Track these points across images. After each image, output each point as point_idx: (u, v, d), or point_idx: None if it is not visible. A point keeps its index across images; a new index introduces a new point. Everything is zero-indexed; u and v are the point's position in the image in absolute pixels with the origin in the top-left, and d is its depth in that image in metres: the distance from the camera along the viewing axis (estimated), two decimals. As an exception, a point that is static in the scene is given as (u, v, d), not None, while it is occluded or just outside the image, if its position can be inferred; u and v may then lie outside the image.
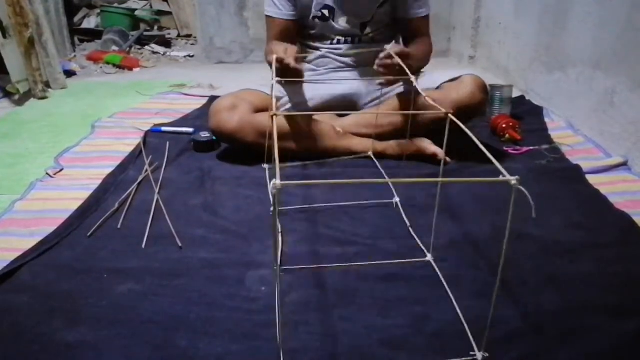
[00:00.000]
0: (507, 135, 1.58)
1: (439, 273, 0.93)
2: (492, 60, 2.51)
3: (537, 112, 1.87)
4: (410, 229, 1.09)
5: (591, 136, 1.58)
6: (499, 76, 2.39)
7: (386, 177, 1.33)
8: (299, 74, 1.36)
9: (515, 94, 1.95)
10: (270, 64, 1.43)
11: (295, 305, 0.86)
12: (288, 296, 0.88)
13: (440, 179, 0.61)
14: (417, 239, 1.05)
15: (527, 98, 2.05)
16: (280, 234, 1.05)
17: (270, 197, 0.53)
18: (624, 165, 1.40)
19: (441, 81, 1.44)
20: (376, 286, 0.91)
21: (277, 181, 0.52)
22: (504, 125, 1.60)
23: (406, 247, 1.03)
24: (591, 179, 1.32)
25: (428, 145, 1.42)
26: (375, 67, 1.33)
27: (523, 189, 0.54)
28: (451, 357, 0.75)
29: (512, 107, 1.79)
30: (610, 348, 0.76)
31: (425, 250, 1.00)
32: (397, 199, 1.20)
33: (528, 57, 2.10)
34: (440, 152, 1.41)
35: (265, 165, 1.40)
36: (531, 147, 1.52)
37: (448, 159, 1.41)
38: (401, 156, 1.44)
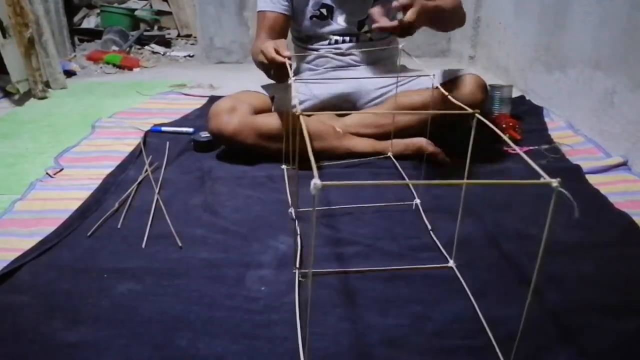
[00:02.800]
0: (507, 135, 1.58)
1: (461, 280, 0.92)
2: (492, 60, 2.51)
3: (537, 112, 1.87)
4: (431, 232, 1.08)
5: (591, 136, 1.59)
6: (499, 76, 2.39)
7: (407, 178, 1.33)
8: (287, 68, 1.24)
9: (515, 94, 1.95)
10: (259, 64, 1.36)
11: (294, 305, 0.86)
12: (288, 296, 0.88)
13: (465, 181, 0.61)
14: (438, 243, 1.03)
15: (527, 98, 2.05)
16: (298, 236, 1.04)
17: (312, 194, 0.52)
18: (623, 165, 1.40)
19: (441, 80, 1.44)
20: (376, 286, 0.91)
21: (317, 181, 0.52)
22: (504, 125, 1.60)
23: (413, 249, 1.02)
24: (591, 178, 1.32)
25: (427, 145, 1.42)
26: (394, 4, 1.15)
27: (565, 191, 0.54)
28: (451, 358, 0.75)
29: (512, 107, 1.80)
30: (610, 348, 0.76)
31: (448, 257, 0.99)
32: (417, 201, 1.19)
33: (528, 57, 2.10)
34: (439, 151, 1.41)
35: (284, 166, 1.40)
36: (531, 147, 1.52)
37: (448, 159, 1.41)
38: (400, 155, 1.44)
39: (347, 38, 1.52)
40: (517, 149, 0.68)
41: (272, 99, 1.51)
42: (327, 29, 1.51)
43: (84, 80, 2.61)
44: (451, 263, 0.97)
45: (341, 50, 1.52)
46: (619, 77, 1.47)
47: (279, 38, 1.44)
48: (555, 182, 0.54)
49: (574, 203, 0.53)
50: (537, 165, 0.60)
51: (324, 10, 1.48)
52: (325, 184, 0.52)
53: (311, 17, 1.50)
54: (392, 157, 1.45)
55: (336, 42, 1.52)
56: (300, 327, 0.80)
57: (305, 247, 1.02)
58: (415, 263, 0.97)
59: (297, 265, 0.95)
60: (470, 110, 0.82)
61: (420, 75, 1.38)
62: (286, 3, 1.49)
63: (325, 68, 1.56)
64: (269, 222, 1.13)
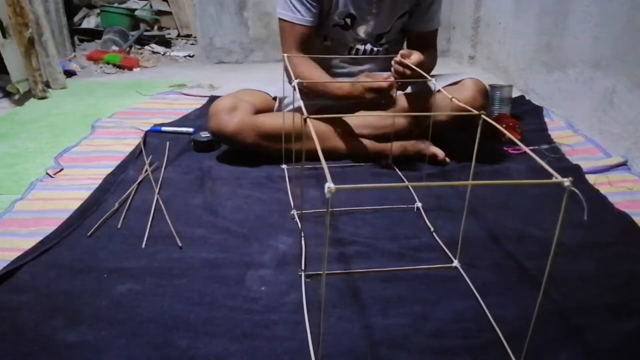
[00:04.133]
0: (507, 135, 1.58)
1: (467, 279, 0.91)
2: (492, 60, 2.51)
3: (537, 112, 1.87)
4: (434, 233, 1.07)
5: (591, 136, 1.59)
6: (499, 76, 2.39)
7: (406, 181, 1.33)
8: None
9: (515, 93, 1.95)
10: (293, 78, 1.40)
11: (295, 305, 0.86)
12: (288, 296, 0.88)
13: (470, 182, 0.59)
14: (442, 244, 1.03)
15: (527, 98, 2.05)
16: (302, 239, 1.04)
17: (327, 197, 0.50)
18: (623, 165, 1.40)
19: (442, 85, 1.44)
20: (376, 286, 0.90)
21: (331, 185, 0.50)
22: (504, 126, 1.60)
23: (413, 249, 1.02)
24: (591, 178, 1.32)
25: (428, 146, 1.42)
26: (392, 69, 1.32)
27: (577, 190, 0.53)
28: (451, 358, 0.75)
29: (512, 107, 1.80)
30: (610, 348, 0.76)
31: (452, 257, 0.98)
32: (419, 204, 1.19)
33: (528, 57, 2.10)
34: (440, 152, 1.42)
35: (284, 166, 1.39)
36: (531, 147, 1.52)
37: (448, 160, 1.42)
38: (401, 156, 1.44)
39: (368, 48, 1.52)
40: (525, 148, 0.68)
41: (274, 99, 1.51)
42: (347, 37, 1.50)
43: (84, 80, 2.61)
44: (455, 263, 0.96)
45: (354, 60, 1.52)
46: (619, 77, 1.47)
47: (309, 48, 1.44)
48: (567, 182, 0.53)
49: (584, 203, 0.52)
50: (537, 165, 0.59)
51: (348, 20, 1.47)
52: (340, 188, 0.50)
53: (334, 25, 1.48)
54: (392, 164, 1.44)
55: (356, 52, 1.52)
56: (308, 328, 0.79)
57: (293, 246, 1.02)
58: (415, 263, 0.97)
59: (303, 268, 0.95)
60: (476, 112, 0.82)
61: (419, 80, 1.38)
62: (311, 15, 1.42)
63: (333, 73, 1.55)
64: (269, 222, 1.13)
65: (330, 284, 0.91)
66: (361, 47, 1.52)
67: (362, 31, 1.48)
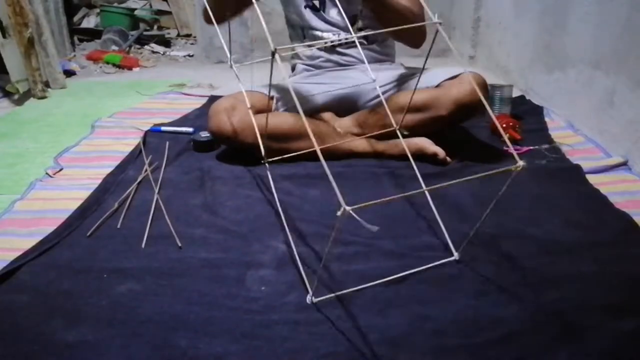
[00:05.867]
0: (507, 135, 1.58)
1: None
2: (492, 60, 2.51)
3: (537, 112, 1.87)
4: (443, 229, 1.04)
5: (591, 136, 1.58)
6: (499, 76, 2.39)
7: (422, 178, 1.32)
8: None
9: (515, 93, 1.95)
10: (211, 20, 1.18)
11: (295, 305, 0.86)
12: (288, 296, 0.88)
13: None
14: (447, 237, 1.01)
15: (527, 98, 2.05)
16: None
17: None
18: (623, 165, 1.40)
19: (441, 79, 1.44)
20: (376, 286, 0.90)
21: (345, 205, 0.48)
22: (504, 125, 1.60)
23: (413, 248, 1.02)
24: (591, 178, 1.32)
25: (428, 145, 1.42)
26: None
27: None
28: (451, 357, 0.75)
29: (512, 107, 1.80)
30: (610, 348, 0.76)
31: (453, 250, 0.98)
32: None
33: (528, 57, 2.10)
34: (440, 151, 1.41)
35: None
36: (531, 147, 1.52)
37: (449, 159, 1.41)
38: (401, 156, 1.44)
39: (342, 36, 1.51)
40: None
41: (271, 98, 1.51)
42: (320, 23, 1.50)
43: (84, 80, 2.61)
44: (455, 256, 0.96)
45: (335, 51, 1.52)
46: (619, 77, 1.47)
47: None
48: None
49: None
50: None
51: (316, 2, 1.48)
52: (356, 207, 0.48)
53: (305, 7, 1.49)
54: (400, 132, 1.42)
55: (331, 43, 1.52)
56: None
57: (303, 246, 1.03)
58: (415, 262, 0.97)
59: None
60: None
61: (414, 73, 1.37)
62: None
63: (320, 70, 1.55)
64: (269, 222, 1.13)
65: (329, 283, 0.91)
66: (335, 37, 1.51)
67: (334, 13, 1.48)
